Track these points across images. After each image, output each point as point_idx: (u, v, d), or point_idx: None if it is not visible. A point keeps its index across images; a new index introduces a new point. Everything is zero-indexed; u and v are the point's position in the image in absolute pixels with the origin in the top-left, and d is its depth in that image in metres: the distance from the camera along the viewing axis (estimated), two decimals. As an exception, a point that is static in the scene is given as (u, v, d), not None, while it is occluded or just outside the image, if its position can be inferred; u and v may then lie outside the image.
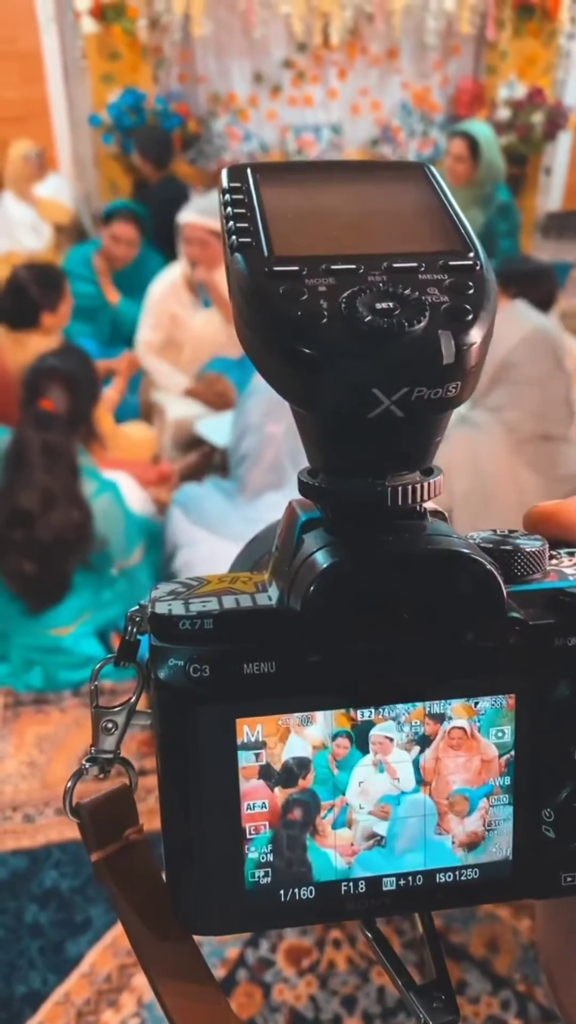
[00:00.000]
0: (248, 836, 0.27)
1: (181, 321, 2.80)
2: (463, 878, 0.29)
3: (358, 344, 0.24)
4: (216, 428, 2.40)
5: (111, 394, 2.61)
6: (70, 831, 1.59)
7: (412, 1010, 0.29)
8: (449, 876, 0.29)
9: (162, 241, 3.21)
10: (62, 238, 3.92)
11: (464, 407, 1.93)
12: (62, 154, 4.51)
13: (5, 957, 1.40)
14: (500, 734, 0.28)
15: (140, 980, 1.36)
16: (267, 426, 1.80)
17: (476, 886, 0.29)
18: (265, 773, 0.27)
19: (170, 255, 3.06)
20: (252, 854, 0.27)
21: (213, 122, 4.48)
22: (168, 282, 2.82)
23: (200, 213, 2.76)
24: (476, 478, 1.85)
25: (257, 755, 0.27)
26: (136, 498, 2.02)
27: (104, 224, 3.35)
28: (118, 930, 1.43)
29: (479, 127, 3.57)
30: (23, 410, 1.91)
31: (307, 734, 0.27)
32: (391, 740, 0.27)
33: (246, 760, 0.27)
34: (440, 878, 0.29)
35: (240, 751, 0.26)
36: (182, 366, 2.81)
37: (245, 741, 0.26)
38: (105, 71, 4.19)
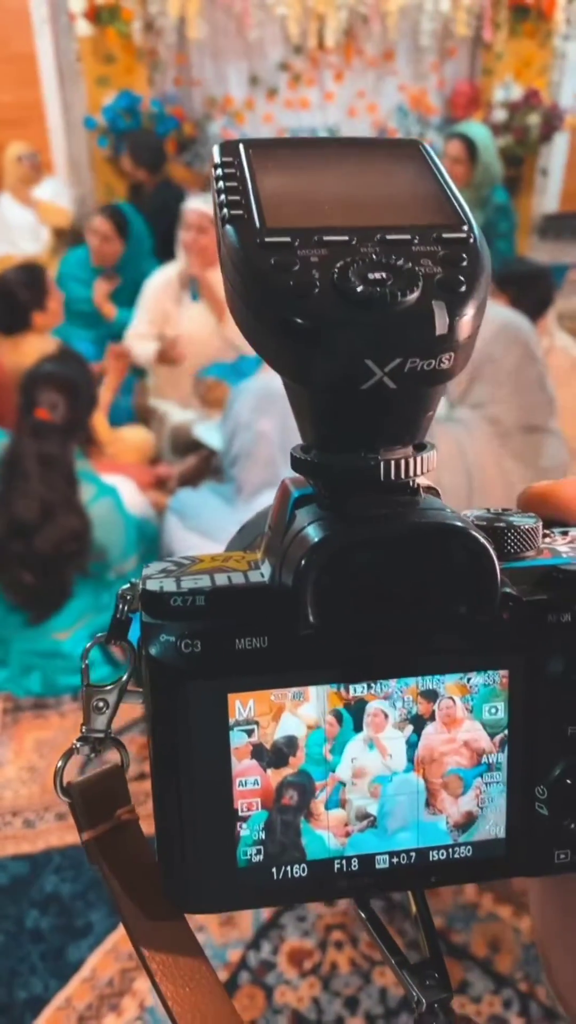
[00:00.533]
0: (241, 814, 0.27)
1: (173, 318, 2.81)
2: (456, 856, 0.29)
3: (350, 314, 0.24)
4: (215, 432, 2.41)
5: (103, 394, 2.60)
6: (70, 836, 1.59)
7: (405, 987, 0.29)
8: (442, 854, 0.29)
9: (162, 247, 3.21)
10: (60, 242, 3.92)
11: (447, 406, 1.94)
12: (57, 157, 4.51)
13: (6, 963, 1.39)
14: (493, 710, 0.28)
15: (142, 984, 1.35)
16: (257, 423, 1.79)
17: (469, 864, 0.29)
18: (257, 753, 0.27)
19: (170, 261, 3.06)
20: (244, 832, 0.27)
21: (209, 125, 4.48)
22: (163, 278, 2.83)
23: (206, 202, 2.78)
24: (463, 473, 1.86)
25: (249, 733, 0.26)
26: (135, 501, 2.02)
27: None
28: (119, 934, 1.42)
29: (477, 129, 3.58)
30: (20, 419, 1.90)
31: (300, 713, 0.27)
32: (386, 716, 0.27)
33: (238, 740, 0.26)
34: (433, 856, 0.28)
35: (233, 730, 0.26)
36: (180, 371, 2.81)
37: (237, 718, 0.26)
38: (100, 74, 4.20)
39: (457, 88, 4.57)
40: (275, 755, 0.27)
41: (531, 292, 2.30)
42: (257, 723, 0.26)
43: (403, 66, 4.53)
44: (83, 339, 2.91)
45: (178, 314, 2.80)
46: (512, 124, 4.30)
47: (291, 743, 0.27)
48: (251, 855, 0.27)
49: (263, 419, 1.79)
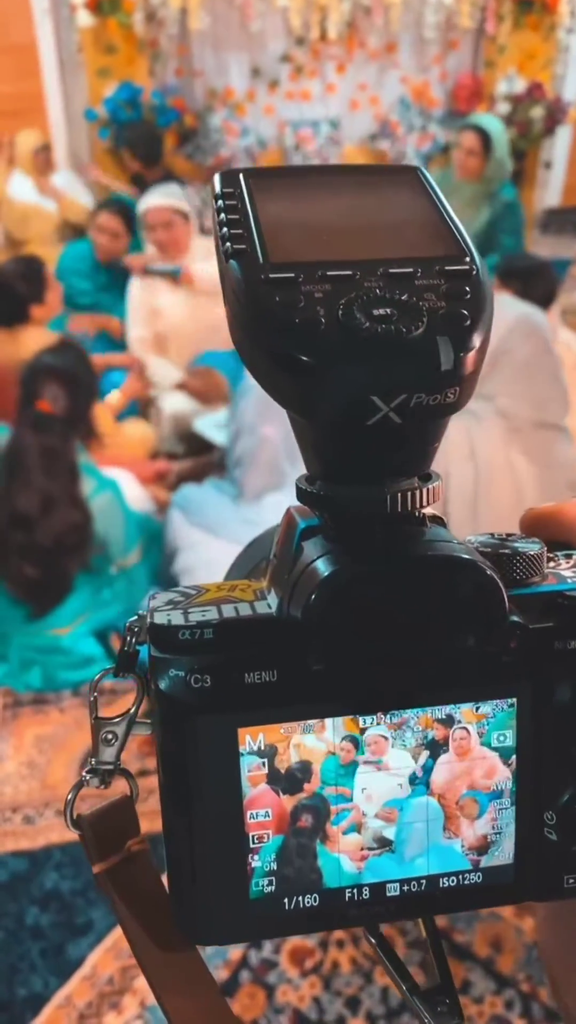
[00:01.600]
0: (252, 846, 0.27)
1: (162, 313, 2.81)
2: (466, 882, 0.29)
3: (356, 351, 0.24)
4: (214, 425, 2.39)
5: (119, 397, 2.60)
6: (71, 833, 1.58)
7: (417, 1014, 0.30)
8: (452, 880, 0.29)
9: None
10: (62, 235, 3.89)
11: None
12: (58, 149, 4.48)
13: (6, 960, 1.39)
14: (502, 738, 0.28)
15: (142, 982, 1.35)
16: (261, 428, 1.78)
17: (479, 890, 0.29)
18: (273, 778, 0.27)
19: None
20: (256, 863, 0.27)
21: (210, 117, 4.45)
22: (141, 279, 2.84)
23: (161, 196, 2.78)
24: (472, 467, 1.85)
25: (264, 761, 0.27)
26: (135, 496, 2.01)
27: (93, 216, 3.33)
28: (120, 932, 1.41)
29: (492, 121, 3.57)
30: (20, 412, 1.89)
31: (315, 739, 0.27)
32: (385, 739, 0.27)
33: (252, 766, 0.27)
34: (444, 883, 0.29)
35: (247, 756, 0.26)
36: (173, 359, 2.81)
37: (250, 749, 0.26)
38: (101, 65, 4.17)
39: (460, 81, 4.54)
40: (289, 781, 0.27)
41: (534, 287, 2.29)
42: (275, 750, 0.27)
43: (405, 58, 4.50)
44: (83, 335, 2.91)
45: (165, 309, 2.81)
46: (515, 117, 4.27)
47: (305, 769, 0.27)
48: (263, 886, 0.27)
49: (267, 424, 1.78)
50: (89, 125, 4.28)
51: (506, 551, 0.29)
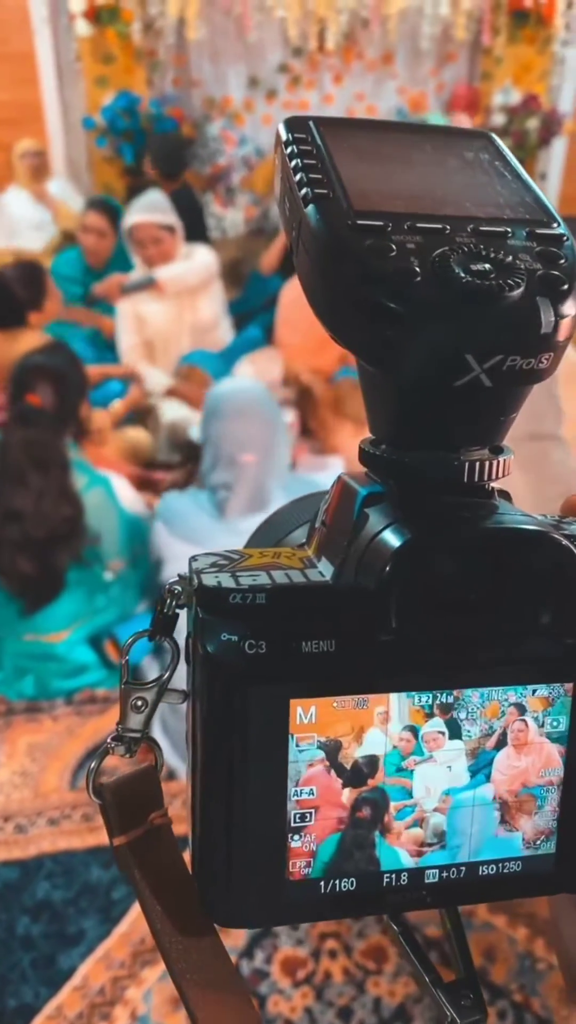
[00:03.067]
0: (294, 824, 0.26)
1: (147, 320, 2.84)
2: (506, 871, 0.28)
3: (453, 305, 0.23)
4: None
5: (120, 406, 2.61)
6: (63, 841, 1.57)
7: (440, 1007, 0.29)
8: (492, 869, 0.28)
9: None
10: (67, 243, 3.91)
11: None
12: (56, 157, 4.49)
13: (-4, 969, 1.38)
14: (556, 723, 0.27)
15: (133, 993, 1.34)
16: (240, 457, 1.71)
17: (519, 879, 0.28)
18: (338, 771, 0.26)
19: None
20: (295, 844, 0.26)
21: (208, 126, 4.47)
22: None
23: (147, 211, 2.79)
24: None
25: (330, 753, 0.25)
26: (129, 498, 2.01)
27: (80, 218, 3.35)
28: (111, 942, 1.41)
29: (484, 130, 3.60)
30: (9, 407, 1.89)
31: (378, 731, 0.26)
32: (443, 734, 0.26)
33: (313, 756, 0.25)
34: (483, 871, 0.28)
35: (310, 750, 0.25)
36: (161, 365, 2.83)
37: (301, 722, 0.25)
38: (99, 74, 4.19)
39: (456, 92, 4.57)
40: (354, 774, 0.26)
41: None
42: (340, 743, 0.25)
43: (402, 69, 4.53)
44: (77, 338, 2.91)
45: (147, 317, 2.83)
46: (511, 128, 4.30)
47: (372, 763, 0.26)
48: (302, 868, 0.26)
49: (246, 453, 1.71)
50: (87, 133, 4.29)
51: (566, 532, 0.27)
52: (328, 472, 2.32)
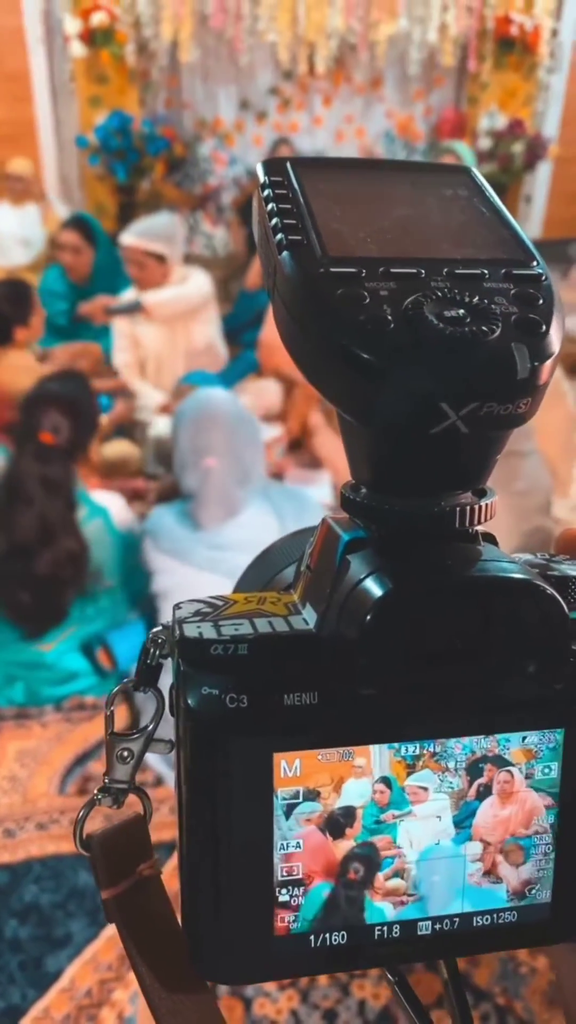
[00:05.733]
0: (280, 879, 0.25)
1: (141, 341, 2.87)
2: (501, 921, 0.27)
3: (427, 353, 0.22)
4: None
5: (106, 421, 2.64)
6: (51, 846, 1.58)
7: None
8: (487, 919, 0.27)
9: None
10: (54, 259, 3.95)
11: None
12: (48, 174, 4.55)
13: (-16, 972, 1.39)
14: (547, 770, 0.26)
15: (120, 995, 1.35)
16: (201, 461, 1.72)
17: (514, 929, 0.27)
18: (325, 823, 0.25)
19: None
20: (283, 898, 0.25)
21: (199, 146, 4.54)
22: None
23: (137, 235, 2.82)
24: None
25: (313, 803, 0.25)
26: (122, 516, 2.03)
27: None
28: (98, 945, 1.42)
29: (461, 146, 3.67)
30: (22, 439, 1.88)
31: (356, 782, 0.25)
32: (425, 790, 0.26)
33: (310, 810, 0.25)
34: (478, 921, 0.27)
35: (305, 802, 0.25)
36: (153, 384, 2.86)
37: (285, 776, 0.24)
38: (93, 94, 4.25)
39: (443, 116, 4.66)
40: (332, 825, 0.25)
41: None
42: (319, 793, 0.25)
43: (390, 93, 4.62)
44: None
45: (141, 337, 2.86)
46: (496, 152, 4.38)
47: (349, 814, 0.25)
48: (291, 923, 0.25)
49: (206, 457, 1.71)
50: (80, 152, 4.35)
51: (555, 573, 0.27)
52: (317, 486, 2.35)
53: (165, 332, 2.88)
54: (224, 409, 1.79)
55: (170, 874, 0.27)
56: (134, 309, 2.84)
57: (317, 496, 2.14)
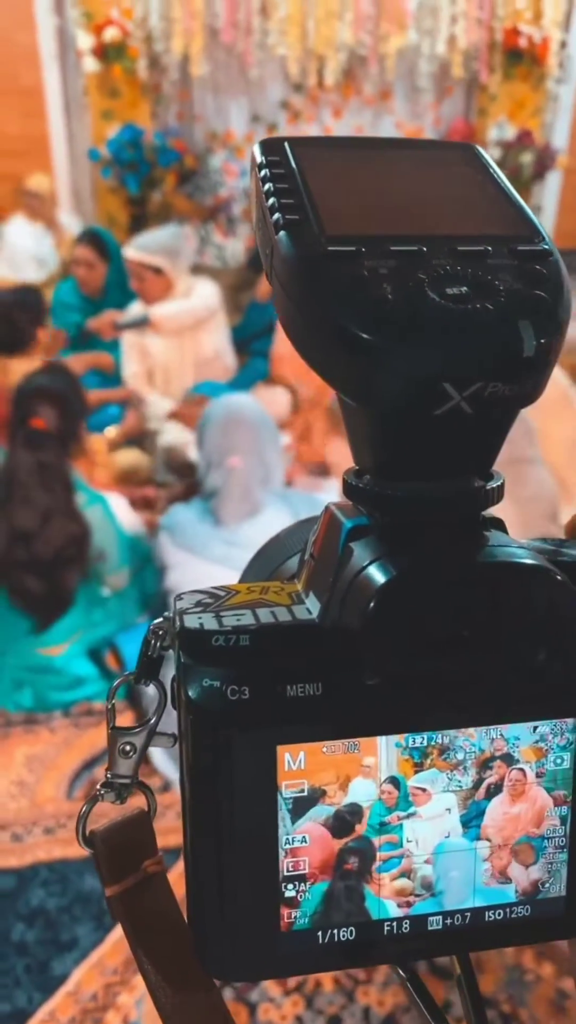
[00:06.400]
0: (287, 873, 0.24)
1: (150, 352, 2.89)
2: (514, 915, 0.26)
3: (428, 332, 0.22)
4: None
5: (116, 432, 2.66)
6: (58, 850, 1.59)
7: None
8: (499, 914, 0.26)
9: None
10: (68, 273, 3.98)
11: None
12: (61, 187, 4.60)
13: (-10, 975, 1.40)
14: (559, 761, 0.26)
15: (126, 999, 1.36)
16: (226, 460, 1.77)
17: (527, 924, 0.26)
18: (331, 822, 0.25)
19: None
20: (290, 893, 0.25)
21: (210, 158, 4.58)
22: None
23: (137, 248, 2.84)
24: None
25: (317, 801, 0.24)
26: (127, 518, 2.05)
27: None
28: (104, 949, 1.43)
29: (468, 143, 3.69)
30: (14, 430, 1.94)
31: (364, 780, 0.24)
32: (425, 791, 0.25)
33: (319, 813, 0.24)
34: (490, 916, 0.26)
35: (311, 800, 0.24)
36: (165, 393, 2.89)
37: (289, 768, 0.24)
38: (105, 107, 4.30)
39: (452, 127, 4.68)
40: (339, 824, 0.25)
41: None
42: (325, 791, 0.24)
43: (400, 105, 4.64)
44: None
45: (152, 347, 2.89)
46: (506, 162, 4.40)
47: (356, 812, 0.25)
48: (297, 918, 0.25)
49: (231, 456, 1.76)
50: (92, 165, 4.40)
51: (564, 559, 0.26)
52: (326, 494, 2.37)
53: (173, 342, 2.90)
54: (249, 412, 1.85)
55: (176, 879, 0.27)
56: (141, 323, 2.86)
57: (327, 502, 2.15)
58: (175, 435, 2.71)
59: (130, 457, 2.63)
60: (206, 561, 1.73)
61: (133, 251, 2.84)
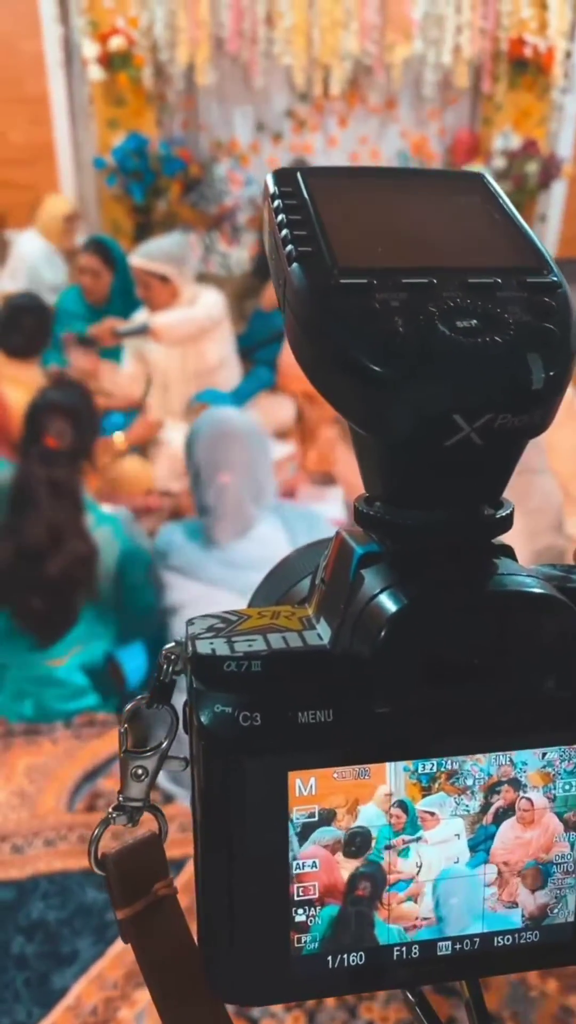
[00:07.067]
0: (298, 898, 0.25)
1: (150, 359, 2.89)
2: (522, 941, 0.26)
3: (439, 364, 0.22)
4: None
5: (122, 442, 2.66)
6: (59, 862, 1.58)
7: None
8: (508, 939, 0.26)
9: None
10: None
11: None
12: (66, 195, 4.61)
13: (-10, 989, 1.38)
14: (568, 787, 0.26)
15: (126, 1014, 1.34)
16: (217, 477, 1.73)
17: (536, 949, 0.27)
18: (333, 844, 0.25)
19: None
20: (300, 918, 0.25)
21: (215, 167, 4.59)
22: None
23: (143, 256, 2.84)
24: None
25: (327, 824, 0.24)
26: (132, 531, 2.04)
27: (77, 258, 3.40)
28: (105, 963, 1.41)
29: (477, 171, 3.68)
30: (27, 447, 1.92)
31: (375, 804, 0.25)
32: (433, 815, 0.25)
33: (328, 836, 0.25)
34: (498, 941, 0.26)
35: (321, 824, 0.24)
36: (164, 401, 2.88)
37: (300, 794, 0.24)
38: (110, 116, 4.31)
39: (457, 136, 4.69)
40: (347, 846, 0.25)
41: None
42: (335, 815, 0.24)
43: (405, 114, 4.66)
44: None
45: (151, 354, 2.88)
46: (511, 172, 4.40)
47: (365, 836, 0.25)
48: (307, 943, 0.25)
49: (221, 473, 1.73)
50: (97, 173, 4.41)
51: (573, 586, 0.26)
52: (329, 503, 2.35)
53: (175, 351, 2.89)
54: (239, 426, 1.81)
55: (181, 888, 0.27)
56: (142, 332, 2.85)
57: (329, 514, 2.14)
58: (179, 443, 2.70)
59: (133, 466, 2.62)
60: (200, 583, 1.70)
61: (139, 259, 2.84)
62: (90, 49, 4.14)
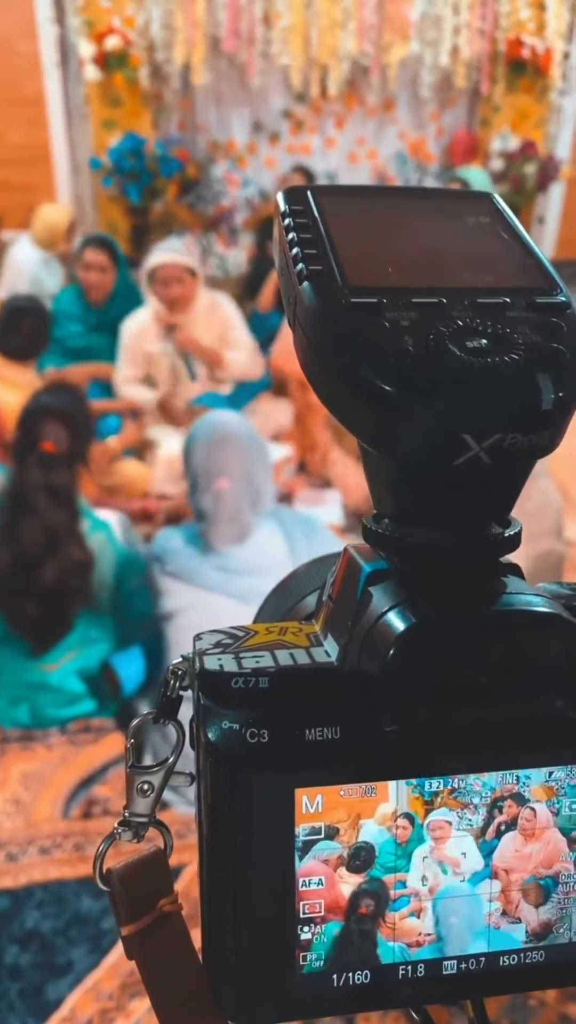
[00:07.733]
0: (303, 916, 0.25)
1: (154, 359, 2.87)
2: (528, 961, 0.26)
3: (449, 384, 0.22)
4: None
5: (115, 445, 2.64)
6: (54, 871, 1.56)
7: None
8: (513, 959, 0.26)
9: None
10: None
11: None
12: (62, 196, 4.59)
13: (-17, 1000, 1.36)
14: (573, 806, 0.26)
15: (121, 1026, 1.32)
16: (214, 483, 1.72)
17: (541, 969, 0.26)
18: (336, 860, 0.25)
19: None
20: (316, 939, 0.25)
21: (212, 168, 4.58)
22: (139, 322, 2.90)
23: (173, 252, 2.84)
24: None
25: (332, 839, 0.24)
26: (127, 536, 2.03)
27: (78, 256, 3.36)
28: (100, 973, 1.39)
29: (475, 174, 3.67)
30: (23, 451, 1.90)
31: (378, 818, 0.25)
32: (449, 824, 0.25)
33: (331, 851, 0.24)
34: (504, 961, 0.26)
35: (325, 839, 0.24)
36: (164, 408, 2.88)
37: (306, 811, 0.24)
38: (107, 117, 4.30)
39: (455, 137, 4.68)
40: (350, 861, 0.25)
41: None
42: (337, 829, 0.24)
43: (403, 115, 4.65)
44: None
45: (155, 354, 2.87)
46: (509, 173, 4.40)
47: (368, 851, 0.25)
48: (312, 961, 0.25)
49: (219, 478, 1.72)
50: (93, 174, 4.39)
51: None
52: (326, 506, 2.34)
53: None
54: (236, 431, 1.80)
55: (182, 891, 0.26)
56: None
57: (327, 517, 2.12)
58: (175, 445, 2.69)
59: (129, 469, 2.61)
60: (197, 588, 1.69)
61: (167, 255, 2.84)
62: (86, 49, 4.13)
